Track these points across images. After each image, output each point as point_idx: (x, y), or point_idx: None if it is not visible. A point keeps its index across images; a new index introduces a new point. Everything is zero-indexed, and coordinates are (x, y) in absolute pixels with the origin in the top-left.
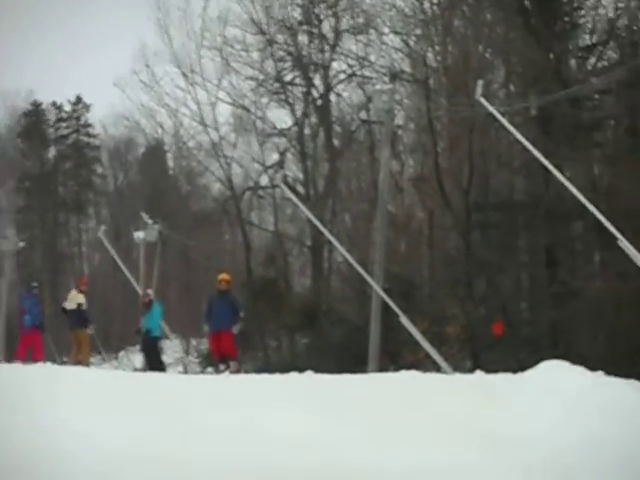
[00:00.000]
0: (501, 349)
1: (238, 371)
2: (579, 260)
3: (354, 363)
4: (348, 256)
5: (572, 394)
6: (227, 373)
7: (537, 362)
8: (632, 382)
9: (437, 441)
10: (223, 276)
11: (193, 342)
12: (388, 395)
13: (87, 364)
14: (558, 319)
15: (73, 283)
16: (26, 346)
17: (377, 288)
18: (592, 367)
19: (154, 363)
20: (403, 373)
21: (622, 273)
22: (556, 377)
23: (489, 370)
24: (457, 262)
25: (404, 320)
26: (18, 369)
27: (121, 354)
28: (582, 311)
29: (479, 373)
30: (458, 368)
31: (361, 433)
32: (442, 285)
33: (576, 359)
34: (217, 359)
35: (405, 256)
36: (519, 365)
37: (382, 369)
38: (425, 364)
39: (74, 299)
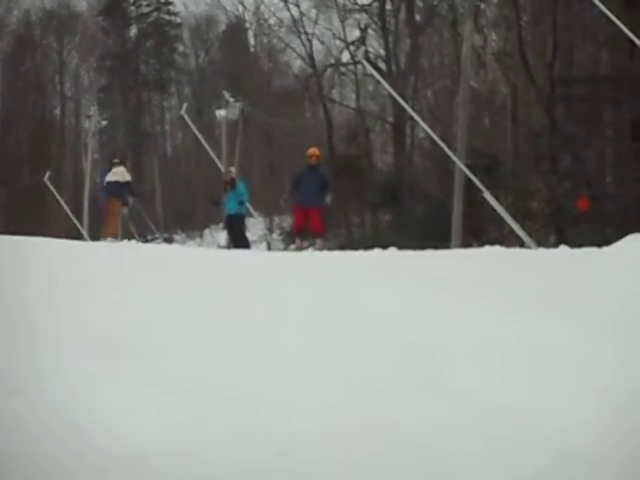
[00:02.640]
0: (586, 224)
1: (321, 249)
2: None
3: (437, 239)
4: (430, 132)
5: None
6: (310, 250)
7: (623, 236)
8: None
9: (519, 317)
10: (313, 150)
11: (276, 220)
12: (470, 271)
13: (104, 236)
14: None
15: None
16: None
17: (460, 164)
18: None
19: (239, 241)
20: (487, 249)
21: None
22: (638, 251)
23: (574, 245)
24: (541, 137)
25: (487, 196)
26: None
27: (205, 232)
28: None
29: (564, 248)
30: (542, 243)
31: (441, 310)
32: (526, 160)
33: None
34: (298, 234)
35: (488, 132)
36: (604, 240)
37: (465, 245)
38: (509, 240)
39: (123, 174)
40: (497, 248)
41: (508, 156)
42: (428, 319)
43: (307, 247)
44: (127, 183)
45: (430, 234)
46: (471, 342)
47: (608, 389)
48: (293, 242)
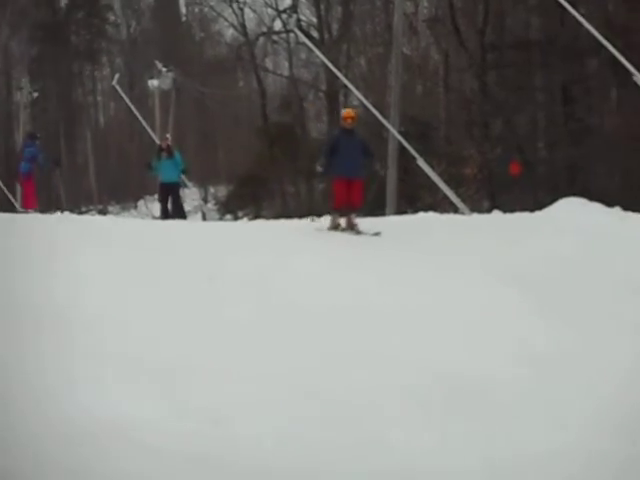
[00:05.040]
0: (518, 189)
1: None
2: (595, 97)
3: (372, 207)
4: (364, 100)
5: (591, 230)
6: (357, 228)
7: (555, 200)
8: None
9: (454, 281)
10: (348, 112)
11: (211, 190)
12: (405, 237)
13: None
14: (575, 157)
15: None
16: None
17: (393, 131)
18: (609, 203)
19: (175, 211)
20: (421, 215)
21: (638, 108)
22: (574, 214)
23: (507, 210)
24: (473, 103)
25: (421, 162)
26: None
27: (140, 203)
28: (598, 148)
29: (497, 213)
30: (476, 209)
31: (379, 274)
32: (458, 126)
33: (593, 196)
34: (338, 210)
35: (421, 98)
36: (537, 204)
37: (400, 212)
38: (443, 206)
39: None
40: (431, 214)
41: (441, 123)
42: (359, 283)
43: (345, 228)
44: None
45: (365, 201)
46: (395, 306)
47: (526, 344)
48: (228, 212)
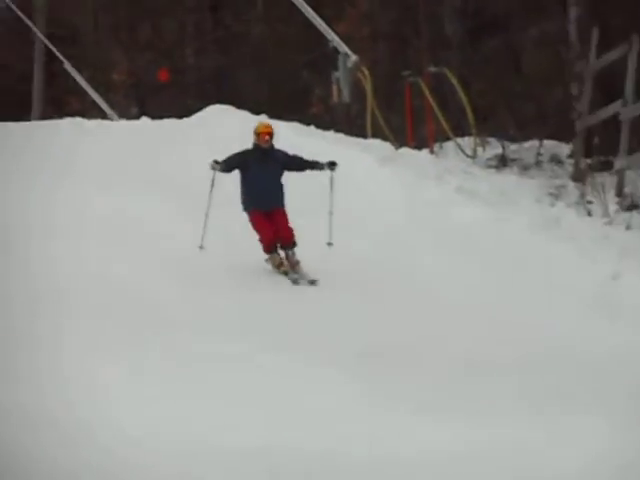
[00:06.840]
0: (168, 95)
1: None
2: (243, 4)
3: (18, 110)
4: (10, 3)
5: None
6: (298, 268)
7: (203, 107)
8: (294, 124)
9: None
10: (264, 126)
11: None
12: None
13: None
14: (223, 64)
15: None
16: None
17: (39, 34)
18: (256, 111)
19: None
20: (68, 120)
21: (284, 17)
22: (222, 120)
23: (155, 116)
24: (120, 6)
25: (68, 67)
26: None
27: None
28: (246, 56)
29: (145, 119)
30: (124, 115)
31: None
32: (106, 31)
33: (242, 103)
34: (269, 250)
35: (69, 1)
36: (186, 110)
37: (47, 117)
38: (91, 111)
39: None
40: (78, 120)
41: (89, 26)
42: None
43: (296, 279)
44: None
45: (10, 105)
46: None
47: None
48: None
